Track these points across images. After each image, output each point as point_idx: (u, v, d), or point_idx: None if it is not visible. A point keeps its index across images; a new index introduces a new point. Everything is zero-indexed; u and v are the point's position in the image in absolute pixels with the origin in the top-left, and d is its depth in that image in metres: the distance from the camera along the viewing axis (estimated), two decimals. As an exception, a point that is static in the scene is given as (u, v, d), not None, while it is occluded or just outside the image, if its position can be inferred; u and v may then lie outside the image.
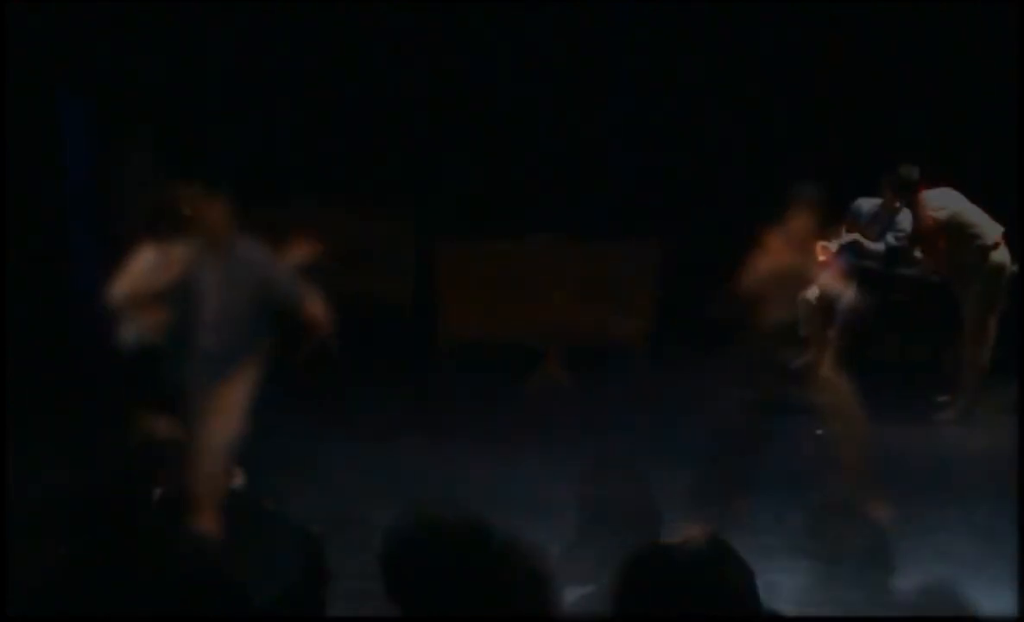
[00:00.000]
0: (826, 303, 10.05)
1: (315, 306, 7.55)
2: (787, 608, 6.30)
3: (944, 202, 10.64)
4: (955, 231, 10.57)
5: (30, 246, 11.13)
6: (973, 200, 10.60)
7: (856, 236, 11.08)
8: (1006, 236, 10.46)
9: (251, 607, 3.29)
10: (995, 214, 10.54)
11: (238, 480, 7.98)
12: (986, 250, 10.47)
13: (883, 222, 11.13)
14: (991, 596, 6.13)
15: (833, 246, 10.18)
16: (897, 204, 10.94)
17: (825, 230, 10.18)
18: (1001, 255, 10.48)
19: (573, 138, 13.21)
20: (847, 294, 9.47)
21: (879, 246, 11.12)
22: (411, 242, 12.56)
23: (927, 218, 10.67)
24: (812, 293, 10.20)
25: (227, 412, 7.24)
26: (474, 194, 12.64)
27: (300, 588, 3.80)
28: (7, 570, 4.19)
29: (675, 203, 12.76)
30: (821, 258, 10.22)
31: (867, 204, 11.14)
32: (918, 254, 11.06)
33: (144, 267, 7.68)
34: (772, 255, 7.95)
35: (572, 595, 4.00)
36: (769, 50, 12.80)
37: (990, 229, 10.51)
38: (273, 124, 12.81)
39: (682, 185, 12.94)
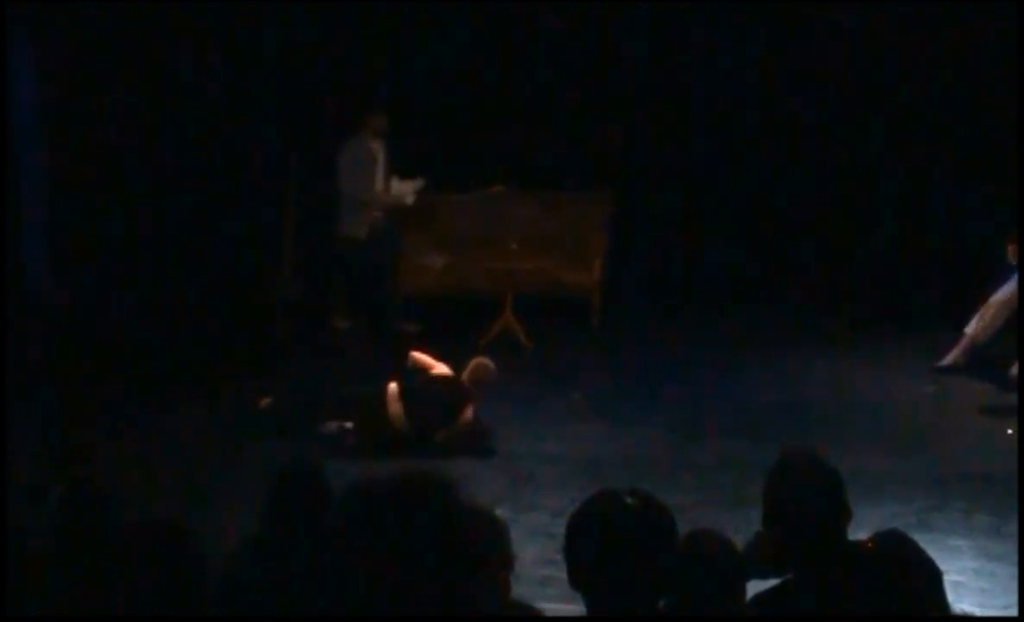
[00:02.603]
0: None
1: None
2: (972, 610, 6.23)
3: None
4: None
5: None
6: None
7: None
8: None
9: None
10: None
11: None
12: None
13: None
14: None
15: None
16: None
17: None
18: None
19: (528, 88, 12.98)
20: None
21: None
22: None
23: None
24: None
25: None
26: (430, 148, 12.33)
27: (485, 573, 3.82)
28: (7, 570, 4.30)
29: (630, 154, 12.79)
30: (1012, 260, 10.00)
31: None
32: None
33: None
34: None
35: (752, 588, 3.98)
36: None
37: None
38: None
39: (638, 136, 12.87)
